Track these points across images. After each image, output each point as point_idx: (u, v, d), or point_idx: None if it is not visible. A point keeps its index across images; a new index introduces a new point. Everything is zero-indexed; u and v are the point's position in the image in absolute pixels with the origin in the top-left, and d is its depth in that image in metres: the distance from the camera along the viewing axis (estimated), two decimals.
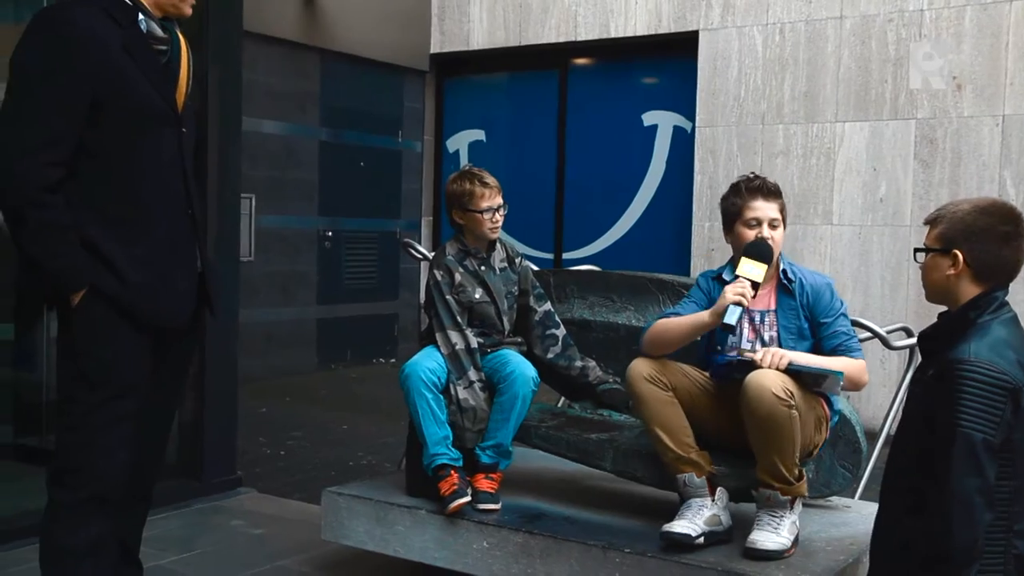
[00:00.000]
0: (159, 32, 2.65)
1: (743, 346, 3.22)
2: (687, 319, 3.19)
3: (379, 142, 9.26)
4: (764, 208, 3.24)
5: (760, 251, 3.13)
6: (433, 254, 3.84)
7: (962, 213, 2.45)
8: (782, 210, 3.29)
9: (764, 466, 3.05)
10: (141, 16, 2.61)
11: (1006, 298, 2.46)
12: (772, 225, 3.24)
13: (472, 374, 3.53)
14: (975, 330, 2.37)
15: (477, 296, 3.65)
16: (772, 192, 3.28)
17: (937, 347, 2.46)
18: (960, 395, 2.28)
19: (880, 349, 4.29)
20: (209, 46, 4.55)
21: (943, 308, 2.56)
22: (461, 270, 3.67)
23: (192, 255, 2.77)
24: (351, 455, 5.86)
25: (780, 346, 3.15)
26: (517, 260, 3.81)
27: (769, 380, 2.93)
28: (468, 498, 3.41)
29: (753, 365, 3.01)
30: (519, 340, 3.74)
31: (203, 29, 4.50)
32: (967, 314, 2.42)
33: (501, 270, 3.74)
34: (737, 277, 3.09)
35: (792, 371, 2.98)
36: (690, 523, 3.08)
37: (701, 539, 3.07)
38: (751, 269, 3.09)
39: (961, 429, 2.27)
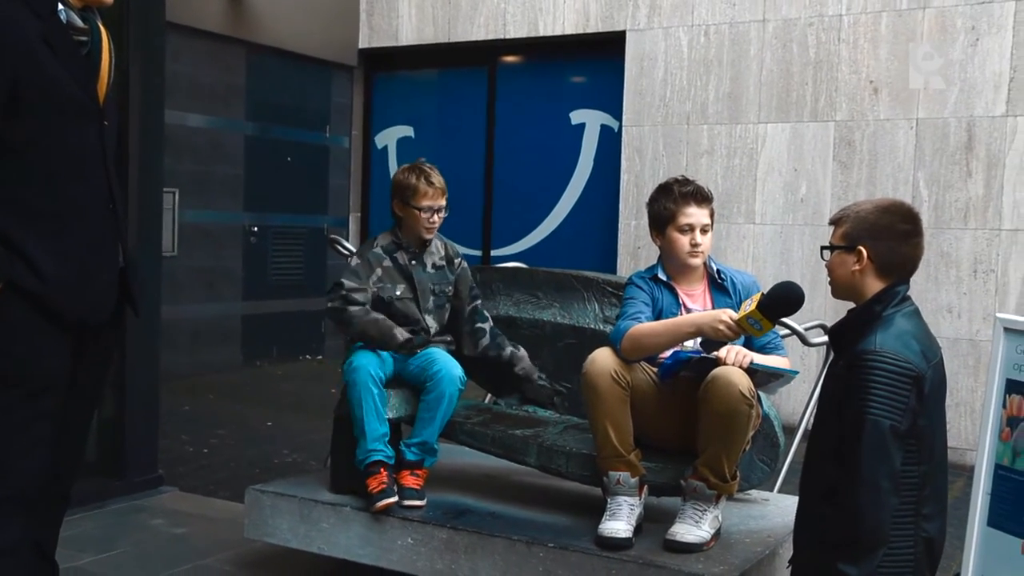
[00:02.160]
0: (79, 23, 2.59)
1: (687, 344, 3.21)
2: (668, 326, 3.11)
3: (306, 137, 9.18)
4: (697, 214, 3.28)
5: (788, 306, 2.89)
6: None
7: (865, 212, 2.61)
8: (712, 215, 3.34)
9: (707, 460, 3.08)
10: (61, 6, 2.55)
11: (908, 292, 2.59)
12: (703, 230, 3.29)
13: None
14: (881, 323, 2.51)
15: (398, 292, 3.65)
16: (705, 198, 3.32)
17: (846, 341, 2.58)
18: (868, 384, 2.40)
19: (799, 345, 4.40)
20: (131, 37, 4.47)
21: (850, 307, 2.68)
22: (388, 263, 3.66)
23: (114, 250, 2.72)
24: (276, 453, 5.81)
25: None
26: (456, 260, 3.81)
27: (736, 377, 2.96)
28: (395, 499, 3.42)
29: (710, 363, 3.03)
30: (448, 339, 3.76)
31: (125, 20, 4.42)
32: (873, 308, 2.55)
33: (437, 268, 3.74)
34: (740, 319, 2.91)
35: (751, 369, 3.02)
36: (627, 524, 3.12)
37: (634, 539, 3.13)
38: (756, 324, 2.90)
39: (870, 416, 2.39)
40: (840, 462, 2.46)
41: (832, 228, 2.69)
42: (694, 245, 3.27)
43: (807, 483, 2.66)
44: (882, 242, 2.56)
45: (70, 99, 2.55)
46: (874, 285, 2.58)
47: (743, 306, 2.96)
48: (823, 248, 2.69)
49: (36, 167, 2.53)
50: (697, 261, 3.30)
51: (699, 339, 3.11)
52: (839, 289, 2.67)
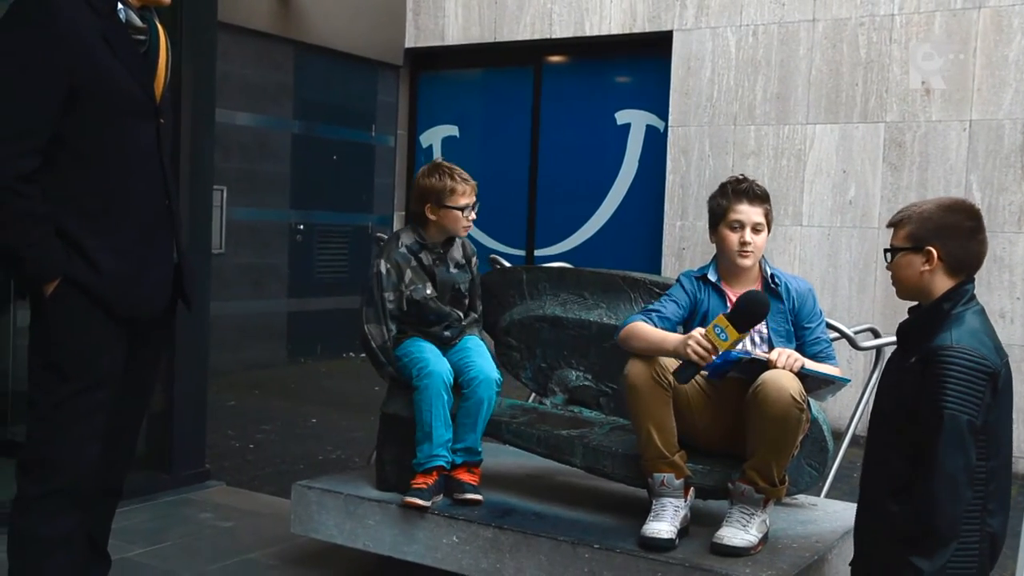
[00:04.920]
0: (138, 22, 2.63)
1: (749, 346, 3.20)
2: (656, 337, 3.12)
3: (352, 136, 9.23)
4: (748, 212, 3.25)
5: (752, 312, 2.91)
6: (385, 240, 3.83)
7: (928, 212, 2.60)
8: (767, 214, 3.29)
9: (756, 464, 3.06)
10: (120, 5, 2.59)
11: (974, 291, 2.58)
12: (755, 229, 3.25)
13: (389, 369, 3.64)
14: (952, 320, 2.52)
15: (428, 292, 3.65)
16: (758, 196, 3.29)
17: (915, 338, 2.58)
18: (945, 380, 2.41)
19: (847, 349, 4.34)
20: (184, 37, 4.52)
21: (911, 305, 2.67)
22: (414, 264, 3.66)
23: (168, 246, 2.76)
24: (320, 449, 5.85)
25: (771, 348, 3.14)
26: (473, 260, 3.84)
27: (787, 382, 2.93)
28: (428, 504, 3.43)
29: (760, 365, 3.01)
30: (475, 317, 3.81)
31: (178, 19, 4.48)
32: (942, 306, 2.56)
33: (459, 267, 3.76)
34: (708, 331, 2.91)
35: (801, 375, 2.99)
36: (670, 526, 3.10)
37: (677, 540, 3.11)
38: (722, 334, 2.89)
39: (947, 411, 2.39)
40: (912, 458, 2.45)
41: (892, 231, 2.67)
42: (743, 244, 3.23)
43: (871, 482, 2.65)
44: (951, 240, 2.56)
45: (128, 96, 2.59)
46: (943, 284, 2.57)
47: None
48: (886, 251, 2.68)
49: (94, 163, 2.57)
50: (747, 262, 3.25)
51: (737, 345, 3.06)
52: (905, 290, 2.66)
